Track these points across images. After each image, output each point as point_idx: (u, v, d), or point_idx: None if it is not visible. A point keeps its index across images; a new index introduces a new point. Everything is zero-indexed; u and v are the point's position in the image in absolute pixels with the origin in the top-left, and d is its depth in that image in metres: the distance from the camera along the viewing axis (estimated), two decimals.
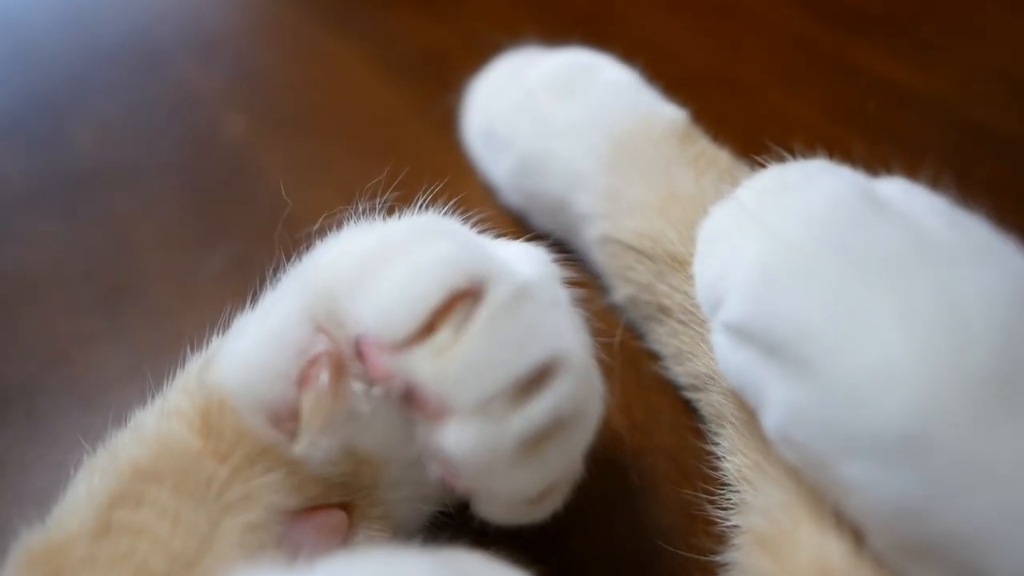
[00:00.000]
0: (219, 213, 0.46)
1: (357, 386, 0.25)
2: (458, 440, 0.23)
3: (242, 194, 0.47)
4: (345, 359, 0.25)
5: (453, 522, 0.29)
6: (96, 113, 0.54)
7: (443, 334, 0.23)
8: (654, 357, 0.36)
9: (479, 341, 0.23)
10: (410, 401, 0.24)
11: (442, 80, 0.49)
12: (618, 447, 0.33)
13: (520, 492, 0.24)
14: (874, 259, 0.23)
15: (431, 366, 0.23)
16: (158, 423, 0.26)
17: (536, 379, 0.23)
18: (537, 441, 0.24)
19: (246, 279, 0.29)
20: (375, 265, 0.24)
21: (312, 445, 0.25)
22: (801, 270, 0.23)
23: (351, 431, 0.26)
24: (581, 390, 0.24)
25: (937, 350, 0.21)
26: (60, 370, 0.38)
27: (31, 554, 0.24)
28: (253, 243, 0.43)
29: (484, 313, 0.23)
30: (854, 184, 0.25)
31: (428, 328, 0.23)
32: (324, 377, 0.25)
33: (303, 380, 0.25)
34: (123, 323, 0.40)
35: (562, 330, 0.24)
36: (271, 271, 0.29)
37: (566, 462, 0.25)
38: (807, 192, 0.25)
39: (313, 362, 0.25)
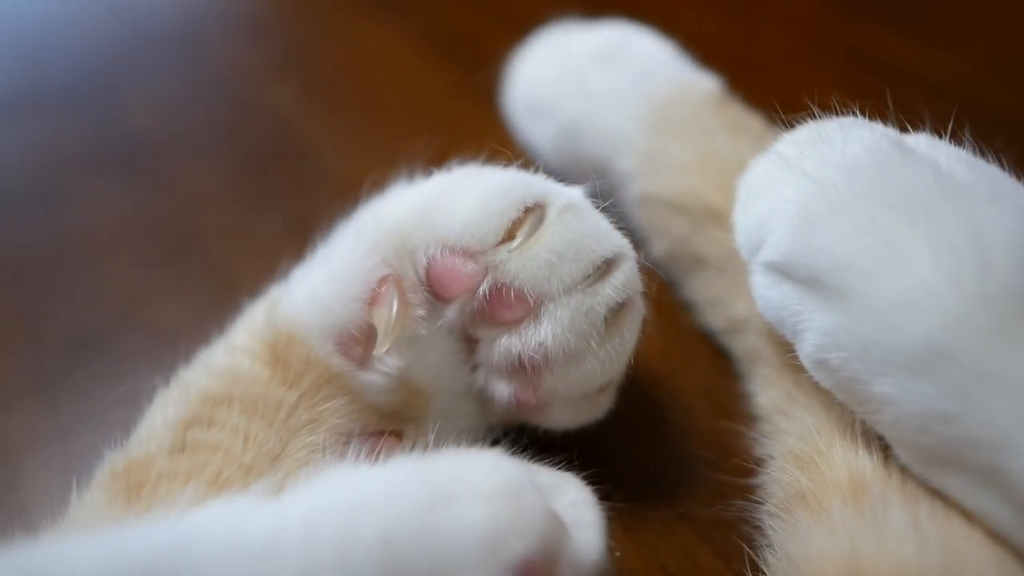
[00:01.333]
0: (271, 178, 0.48)
1: (419, 311, 0.28)
2: (553, 325, 0.27)
3: (291, 161, 0.49)
4: (408, 287, 0.28)
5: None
6: (147, 86, 0.57)
7: (520, 238, 0.27)
8: (688, 308, 0.38)
9: (556, 237, 0.27)
10: (491, 309, 0.27)
11: (480, 56, 0.51)
12: (658, 388, 0.36)
13: (599, 376, 0.28)
14: (905, 198, 0.25)
15: (519, 261, 0.27)
16: (225, 358, 0.29)
17: (603, 270, 0.27)
18: (616, 317, 0.28)
19: (299, 238, 0.32)
20: (449, 193, 0.28)
21: (381, 364, 0.28)
22: (840, 209, 0.26)
23: (411, 357, 0.29)
24: (638, 278, 0.29)
25: (962, 275, 0.23)
26: (132, 317, 0.40)
27: (114, 471, 0.26)
28: (304, 206, 0.46)
29: (553, 216, 0.27)
30: (885, 135, 0.28)
31: (508, 236, 0.27)
32: (393, 291, 0.28)
33: (373, 300, 0.28)
34: (185, 276, 0.43)
35: (613, 230, 0.29)
36: (322, 230, 0.32)
37: (631, 342, 0.29)
38: (843, 142, 0.27)
39: (382, 282, 0.28)
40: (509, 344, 0.27)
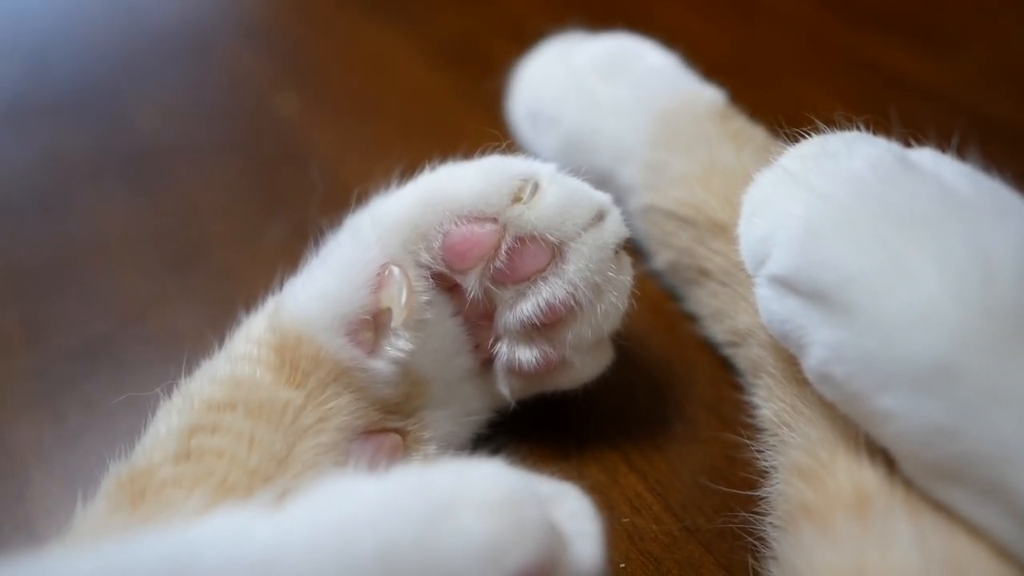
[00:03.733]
0: (276, 185, 0.49)
1: (423, 297, 0.30)
2: (578, 261, 0.30)
3: (296, 168, 0.50)
4: (412, 275, 0.30)
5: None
6: (153, 93, 0.57)
7: (525, 198, 0.30)
8: (692, 319, 0.39)
9: (558, 191, 0.30)
10: (513, 265, 0.30)
11: (484, 65, 0.52)
12: (662, 399, 0.36)
13: (618, 308, 0.31)
14: (910, 214, 0.25)
15: (534, 212, 0.30)
16: (227, 366, 0.29)
17: (599, 216, 0.31)
18: (617, 255, 0.31)
19: (305, 245, 0.32)
20: (450, 177, 0.31)
21: (392, 347, 0.29)
22: (845, 224, 0.26)
23: (417, 341, 0.30)
24: (624, 225, 0.32)
25: (966, 291, 0.24)
26: (138, 324, 0.41)
27: (119, 481, 0.26)
28: (310, 213, 0.46)
29: (547, 182, 0.31)
30: (889, 150, 0.28)
31: (515, 199, 0.30)
32: (398, 271, 0.29)
33: (379, 285, 0.29)
34: (192, 283, 0.43)
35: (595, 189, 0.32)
36: (327, 238, 0.32)
37: (631, 276, 0.32)
38: (848, 157, 0.28)
39: (385, 269, 0.30)
40: (537, 297, 0.30)
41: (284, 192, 0.48)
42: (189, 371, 0.30)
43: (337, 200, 0.34)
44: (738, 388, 0.36)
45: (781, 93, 0.54)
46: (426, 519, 0.19)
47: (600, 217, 0.31)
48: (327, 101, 0.56)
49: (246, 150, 0.51)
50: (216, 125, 0.54)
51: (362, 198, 0.33)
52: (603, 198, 0.32)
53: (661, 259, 0.39)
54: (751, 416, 0.34)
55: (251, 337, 0.30)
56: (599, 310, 0.31)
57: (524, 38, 0.48)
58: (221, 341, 0.31)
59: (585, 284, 0.30)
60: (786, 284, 0.28)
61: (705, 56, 0.43)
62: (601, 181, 0.41)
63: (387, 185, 0.32)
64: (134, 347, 0.39)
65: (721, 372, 0.37)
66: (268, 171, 0.50)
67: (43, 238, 0.46)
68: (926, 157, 0.28)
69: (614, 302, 0.31)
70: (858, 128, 0.31)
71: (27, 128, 0.55)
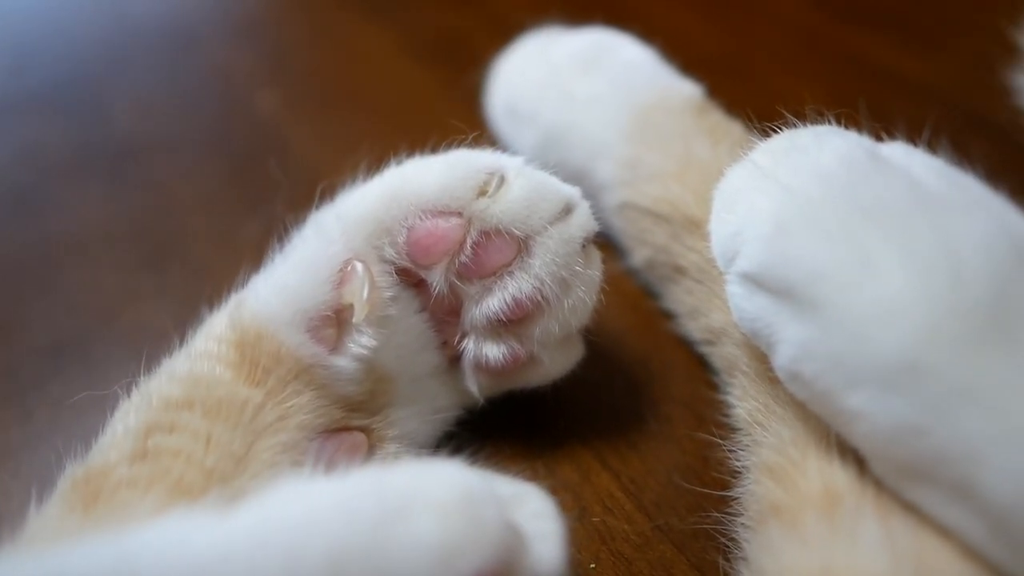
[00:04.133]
0: (255, 182, 0.48)
1: (387, 292, 0.30)
2: (544, 255, 0.29)
3: (277, 163, 0.49)
4: (375, 271, 0.30)
5: None
6: (133, 88, 0.56)
7: (491, 192, 0.30)
8: (669, 316, 0.38)
9: (525, 184, 0.30)
10: (479, 260, 0.29)
11: (466, 60, 0.51)
12: (638, 396, 0.36)
13: (586, 303, 0.31)
14: (878, 209, 0.25)
15: (500, 206, 0.29)
16: (186, 364, 0.29)
17: (567, 210, 0.30)
18: (584, 249, 0.31)
19: (281, 242, 0.32)
20: (415, 171, 0.30)
21: (354, 345, 0.29)
22: (813, 220, 0.26)
23: (381, 338, 0.29)
24: (592, 219, 0.32)
25: (934, 288, 0.23)
26: (110, 323, 0.40)
27: (74, 482, 0.26)
28: (288, 208, 0.46)
29: (513, 175, 0.30)
30: (860, 144, 0.27)
31: (480, 193, 0.29)
32: (361, 267, 0.29)
33: (341, 281, 0.29)
34: (167, 280, 0.42)
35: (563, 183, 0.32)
36: (293, 234, 0.32)
37: (600, 270, 0.32)
38: (817, 151, 0.27)
39: (347, 263, 0.29)
40: (503, 292, 0.30)
41: (263, 189, 0.47)
42: (150, 369, 0.29)
43: (312, 196, 0.34)
44: (714, 387, 0.35)
45: (763, 86, 0.53)
46: (378, 521, 0.18)
47: (568, 211, 0.31)
48: (309, 97, 0.55)
49: (225, 146, 0.51)
50: (196, 121, 0.53)
51: (328, 193, 0.32)
52: (570, 191, 0.31)
53: (638, 256, 0.38)
54: (726, 415, 0.33)
55: (212, 334, 0.29)
56: (566, 305, 0.30)
57: (507, 32, 0.48)
58: (184, 339, 0.30)
59: (552, 279, 0.30)
60: (755, 281, 0.28)
61: (687, 50, 0.43)
62: (578, 177, 0.41)
63: (354, 179, 0.32)
64: (106, 345, 0.39)
65: (697, 370, 0.36)
66: (247, 167, 0.49)
67: (19, 234, 0.46)
68: (897, 151, 0.28)
69: (582, 297, 0.31)
70: (830, 121, 0.30)
71: (4, 123, 0.54)
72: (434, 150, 0.32)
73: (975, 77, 0.53)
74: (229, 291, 0.32)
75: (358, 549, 0.18)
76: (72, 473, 0.26)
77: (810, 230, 0.26)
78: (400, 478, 0.20)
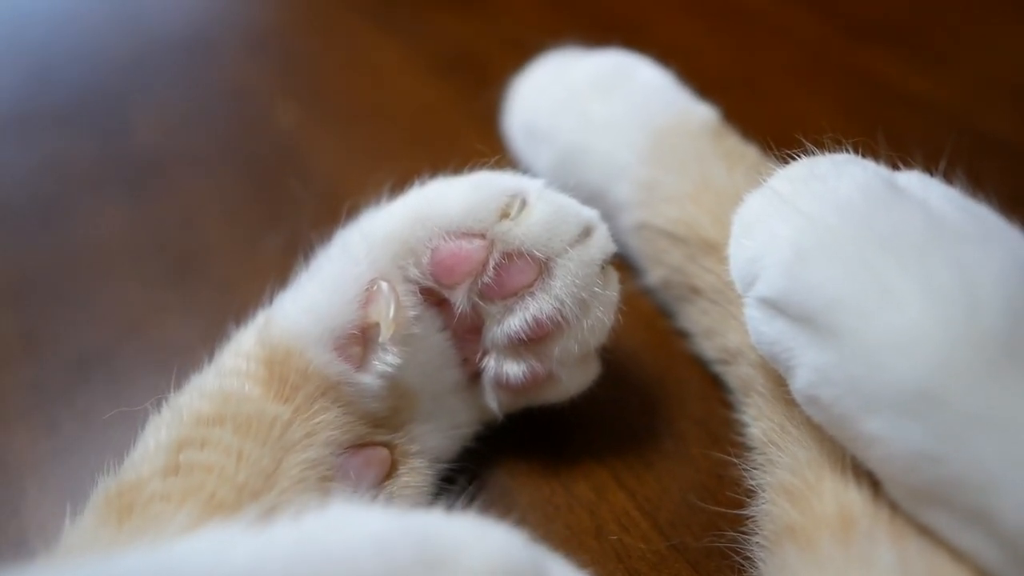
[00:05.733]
0: (277, 195, 0.49)
1: (411, 312, 0.31)
2: (565, 277, 0.30)
3: (296, 179, 0.50)
4: (400, 290, 0.30)
5: None
6: (155, 103, 0.57)
7: (513, 214, 0.30)
8: (684, 335, 0.39)
9: (545, 208, 0.31)
10: (500, 281, 0.30)
11: (482, 78, 0.52)
12: (653, 414, 0.36)
13: (604, 323, 0.32)
14: (896, 238, 0.26)
15: (521, 229, 0.30)
16: (216, 381, 0.29)
17: (586, 232, 0.31)
18: (603, 271, 0.31)
19: (304, 256, 0.32)
20: (438, 193, 0.31)
21: (379, 362, 0.30)
22: (832, 248, 0.26)
23: (405, 355, 0.30)
24: (611, 241, 0.32)
25: (951, 317, 0.24)
26: (135, 336, 0.41)
27: (107, 495, 0.27)
28: (309, 223, 0.46)
29: (534, 197, 0.31)
30: (878, 174, 0.28)
31: (502, 216, 0.30)
32: (386, 287, 0.30)
33: (367, 300, 0.30)
34: (190, 294, 0.43)
35: (582, 205, 0.32)
36: (318, 251, 0.32)
37: (618, 291, 0.32)
38: (836, 180, 0.28)
39: (373, 284, 0.30)
40: (524, 312, 0.30)
41: (282, 203, 0.48)
42: (179, 384, 0.30)
43: (333, 212, 0.34)
44: (728, 406, 0.36)
45: (778, 107, 0.54)
46: (412, 569, 0.18)
47: (587, 233, 0.31)
48: (328, 112, 0.56)
49: (246, 160, 0.52)
50: (217, 135, 0.54)
51: (353, 211, 0.33)
52: (590, 214, 0.32)
53: (653, 276, 0.39)
54: (740, 434, 0.34)
55: (240, 351, 0.30)
56: (586, 325, 0.31)
57: (523, 52, 0.48)
58: (211, 355, 0.31)
59: (572, 299, 0.30)
60: (774, 306, 0.28)
61: (703, 70, 0.44)
62: (594, 197, 0.41)
63: (378, 199, 0.33)
64: (130, 359, 0.40)
65: (712, 389, 0.37)
66: (268, 182, 0.50)
67: (44, 246, 0.47)
68: (914, 181, 0.28)
69: (600, 317, 0.31)
70: (847, 149, 0.31)
71: (29, 135, 0.55)
72: (455, 169, 0.33)
73: (986, 96, 0.54)
74: (254, 307, 0.33)
75: None
76: (105, 487, 0.27)
77: (829, 258, 0.26)
78: (447, 529, 0.20)
